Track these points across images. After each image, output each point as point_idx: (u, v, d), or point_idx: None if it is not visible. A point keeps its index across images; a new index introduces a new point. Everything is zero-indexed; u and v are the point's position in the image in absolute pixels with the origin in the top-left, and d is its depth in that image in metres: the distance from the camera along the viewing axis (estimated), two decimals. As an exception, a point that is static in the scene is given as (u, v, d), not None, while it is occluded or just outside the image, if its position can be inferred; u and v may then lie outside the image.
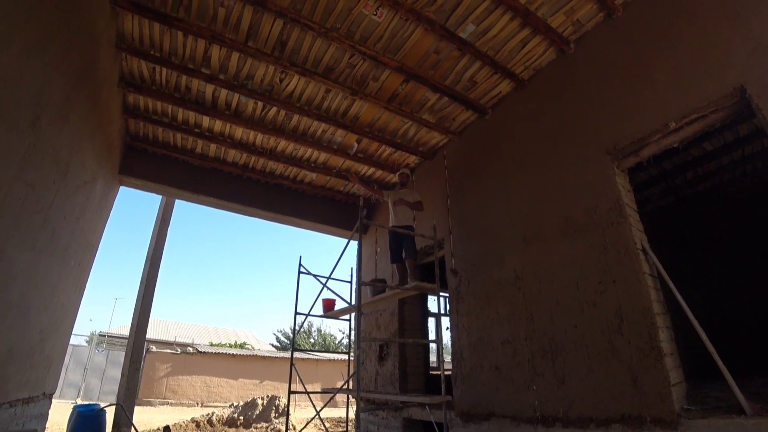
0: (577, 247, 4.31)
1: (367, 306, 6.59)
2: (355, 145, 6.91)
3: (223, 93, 5.78)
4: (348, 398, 8.09)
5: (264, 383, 21.04)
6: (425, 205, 6.29)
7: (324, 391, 6.44)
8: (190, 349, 21.44)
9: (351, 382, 6.23)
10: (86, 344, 22.40)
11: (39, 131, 3.53)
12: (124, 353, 8.33)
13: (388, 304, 7.40)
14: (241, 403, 13.60)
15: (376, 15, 4.66)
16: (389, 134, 6.66)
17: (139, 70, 5.38)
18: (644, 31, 4.29)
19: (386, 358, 7.31)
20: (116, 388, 18.83)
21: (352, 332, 7.45)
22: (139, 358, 8.06)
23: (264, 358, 22.48)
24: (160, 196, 8.79)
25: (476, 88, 5.68)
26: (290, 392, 6.17)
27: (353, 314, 6.65)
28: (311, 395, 6.20)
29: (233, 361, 21.34)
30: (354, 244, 6.97)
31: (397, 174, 6.61)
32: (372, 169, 7.68)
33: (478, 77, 5.51)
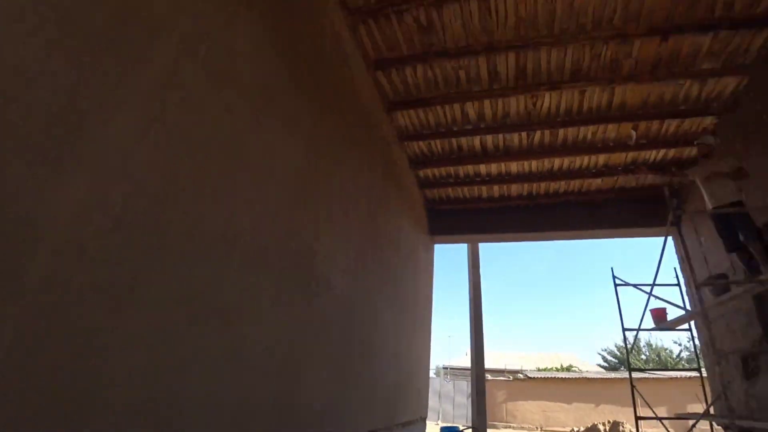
0: None
1: (712, 310, 5.45)
2: (633, 133, 6.29)
3: (489, 138, 6.40)
4: (711, 426, 6.36)
5: (600, 407, 19.29)
6: (749, 169, 5.01)
7: (679, 417, 5.52)
8: (521, 375, 22.12)
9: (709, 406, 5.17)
10: (435, 376, 26.43)
11: (376, 219, 4.86)
12: (465, 382, 9.53)
13: (737, 303, 5.86)
14: (582, 429, 12.81)
15: (601, -8, 4.45)
16: (668, 105, 5.79)
17: (420, 149, 6.61)
18: None
19: (757, 374, 5.65)
20: (464, 412, 22.22)
21: (693, 342, 6.21)
22: (482, 386, 9.02)
23: (595, 380, 20.89)
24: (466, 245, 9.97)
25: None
26: (637, 418, 5.58)
27: (692, 322, 5.63)
28: (662, 421, 5.42)
29: (563, 385, 20.72)
30: (671, 242, 6.05)
31: (696, 145, 5.51)
32: (662, 152, 6.69)
33: (762, -15, 4.38)
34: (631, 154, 6.77)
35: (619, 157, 6.87)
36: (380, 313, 4.83)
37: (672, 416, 5.92)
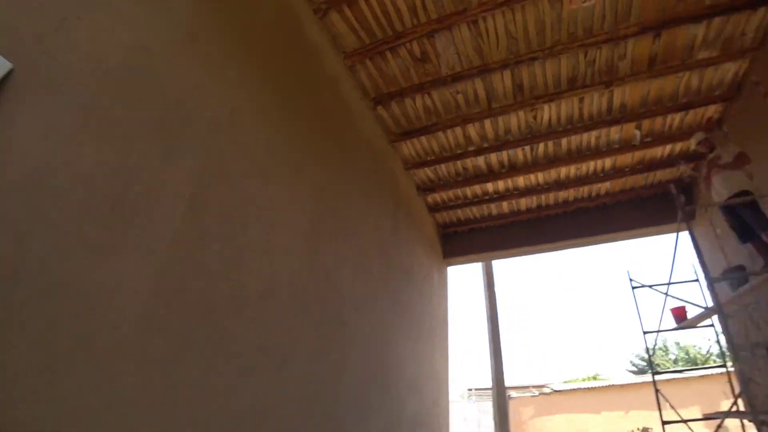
0: None
1: (729, 305, 5.32)
2: (637, 132, 6.25)
3: (493, 156, 6.36)
4: (743, 423, 6.06)
5: (629, 414, 18.62)
6: (758, 154, 4.97)
7: (706, 417, 5.28)
8: (547, 390, 21.43)
9: (740, 403, 4.95)
10: (461, 398, 25.64)
11: (386, 252, 4.78)
12: (490, 403, 9.44)
13: (760, 294, 5.71)
14: None
15: (585, 2, 4.48)
16: (669, 100, 5.77)
17: (426, 175, 6.58)
18: None
19: None
20: None
21: (718, 339, 6.01)
22: (504, 407, 8.92)
23: (622, 387, 20.13)
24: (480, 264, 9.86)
25: (754, -18, 4.51)
26: (663, 422, 5.39)
27: (715, 317, 5.47)
28: (693, 423, 5.18)
29: (591, 395, 19.99)
30: (686, 237, 5.92)
31: (694, 144, 5.47)
32: (668, 147, 6.64)
33: (750, -32, 4.40)
34: (637, 154, 6.71)
35: (626, 158, 6.80)
36: (395, 343, 4.80)
37: (699, 418, 5.67)
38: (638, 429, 12.32)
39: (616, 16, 4.64)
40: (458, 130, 5.75)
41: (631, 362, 32.29)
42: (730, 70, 5.44)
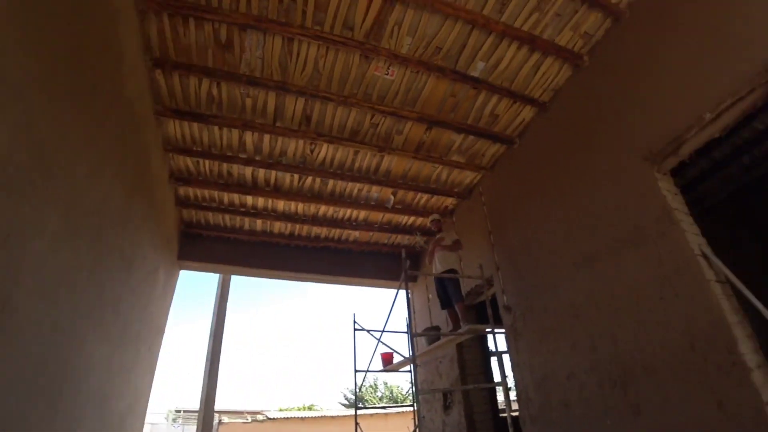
0: (631, 264, 4.07)
1: (424, 355, 6.49)
2: (392, 198, 7.09)
3: (261, 172, 6.20)
4: None
5: None
6: (469, 245, 6.27)
7: None
8: (260, 417, 21.64)
9: None
10: (165, 421, 23.08)
11: (105, 238, 3.94)
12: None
13: (446, 351, 7.22)
14: None
15: (388, 74, 4.93)
16: (422, 182, 6.81)
17: (185, 165, 5.91)
18: (657, 26, 4.14)
19: (451, 407, 7.06)
20: None
21: (412, 382, 7.29)
22: (209, 430, 8.30)
23: (333, 418, 22.15)
24: (217, 275, 9.30)
25: (499, 121, 5.75)
26: None
27: (411, 366, 6.57)
28: None
29: (303, 425, 21.20)
30: (404, 296, 6.97)
31: (429, 222, 6.68)
32: (412, 218, 7.80)
33: (499, 110, 5.59)
34: (387, 215, 7.60)
35: (377, 216, 7.61)
36: (87, 347, 3.80)
37: None
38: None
39: (406, 98, 5.24)
40: (236, 132, 5.42)
41: (344, 396, 35.23)
42: (468, 176, 6.78)
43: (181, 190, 6.45)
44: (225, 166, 5.98)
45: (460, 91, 5.25)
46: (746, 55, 3.38)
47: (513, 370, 5.60)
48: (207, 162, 5.88)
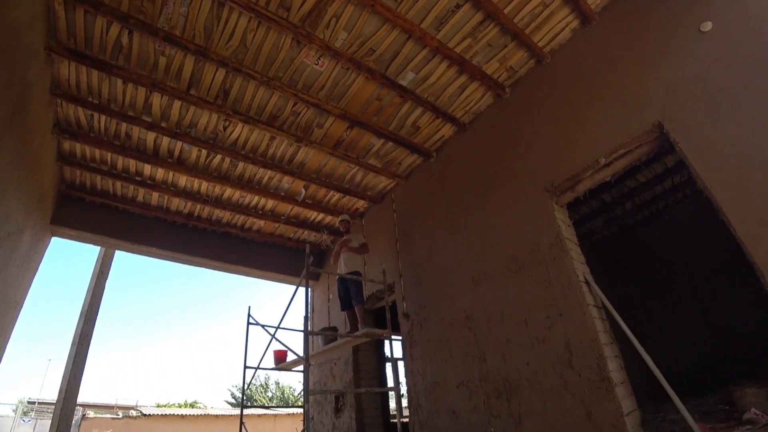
0: (524, 284, 4.40)
1: (319, 356, 6.36)
2: (303, 191, 6.91)
3: (166, 141, 5.70)
4: None
5: None
6: (375, 249, 6.29)
7: None
8: (133, 413, 19.72)
9: None
10: (13, 414, 19.98)
11: None
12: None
13: (341, 353, 7.18)
14: None
15: (318, 65, 4.81)
16: (337, 180, 6.72)
17: (76, 116, 5.23)
18: (572, 75, 4.62)
19: (342, 410, 7.01)
20: None
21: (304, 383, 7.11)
22: (67, 428, 7.32)
23: (217, 417, 20.97)
24: (98, 248, 8.36)
25: (420, 133, 5.88)
26: None
27: (303, 366, 6.38)
28: None
29: (183, 423, 19.75)
30: (303, 293, 6.80)
31: (338, 222, 6.60)
32: (321, 215, 7.68)
33: (421, 122, 5.71)
34: (296, 209, 7.39)
35: (286, 208, 7.36)
36: None
37: None
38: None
39: (332, 93, 5.17)
40: (142, 91, 4.91)
41: (231, 394, 33.35)
42: (382, 182, 6.83)
43: (66, 144, 5.69)
44: (124, 126, 5.39)
45: (386, 96, 5.28)
46: (640, 115, 3.87)
47: (406, 376, 5.72)
48: (103, 118, 5.25)
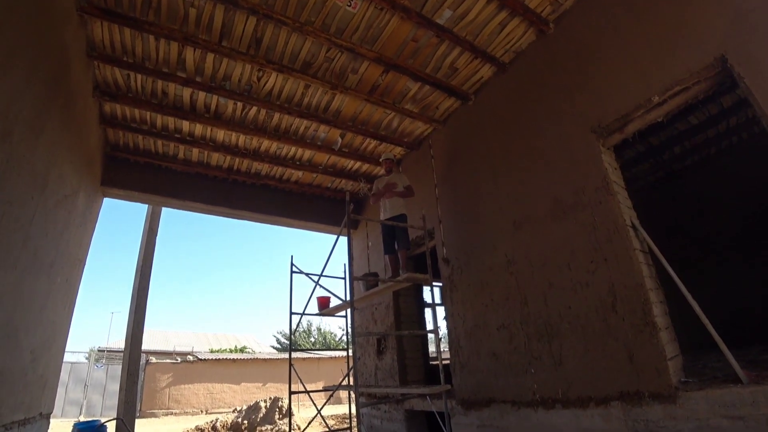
0: (568, 228, 4.30)
1: (361, 301, 6.54)
2: (339, 139, 6.84)
3: (201, 95, 5.68)
4: (350, 394, 8.01)
5: (267, 386, 21.07)
6: (414, 196, 6.22)
7: (323, 389, 6.38)
8: (190, 358, 21.32)
9: (350, 378, 6.19)
10: (86, 361, 21.90)
11: (11, 146, 3.43)
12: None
13: (382, 298, 7.37)
14: (245, 407, 13.55)
15: (350, 6, 4.58)
16: (373, 127, 6.59)
17: (113, 77, 5.27)
18: (624, 6, 4.22)
19: (384, 352, 7.30)
20: (116, 402, 18.57)
21: (347, 327, 7.40)
22: (136, 371, 7.98)
23: (265, 360, 22.43)
24: (146, 206, 8.70)
25: (457, 75, 5.62)
26: (291, 392, 6.12)
27: (349, 310, 6.59)
28: (314, 394, 6.14)
29: (234, 366, 21.29)
30: (345, 240, 6.89)
31: (381, 160, 6.34)
32: (358, 163, 7.62)
33: (459, 63, 5.44)
34: (333, 158, 7.36)
35: (323, 157, 7.34)
36: None
37: (319, 389, 6.58)
38: (270, 398, 13.35)
39: (366, 35, 4.94)
40: (175, 46, 4.85)
41: (276, 339, 35.62)
42: (419, 127, 6.65)
43: (107, 107, 5.78)
44: (160, 83, 5.40)
45: (422, 37, 5.01)
46: (700, 48, 3.51)
47: (447, 319, 5.83)
48: (139, 77, 5.27)
